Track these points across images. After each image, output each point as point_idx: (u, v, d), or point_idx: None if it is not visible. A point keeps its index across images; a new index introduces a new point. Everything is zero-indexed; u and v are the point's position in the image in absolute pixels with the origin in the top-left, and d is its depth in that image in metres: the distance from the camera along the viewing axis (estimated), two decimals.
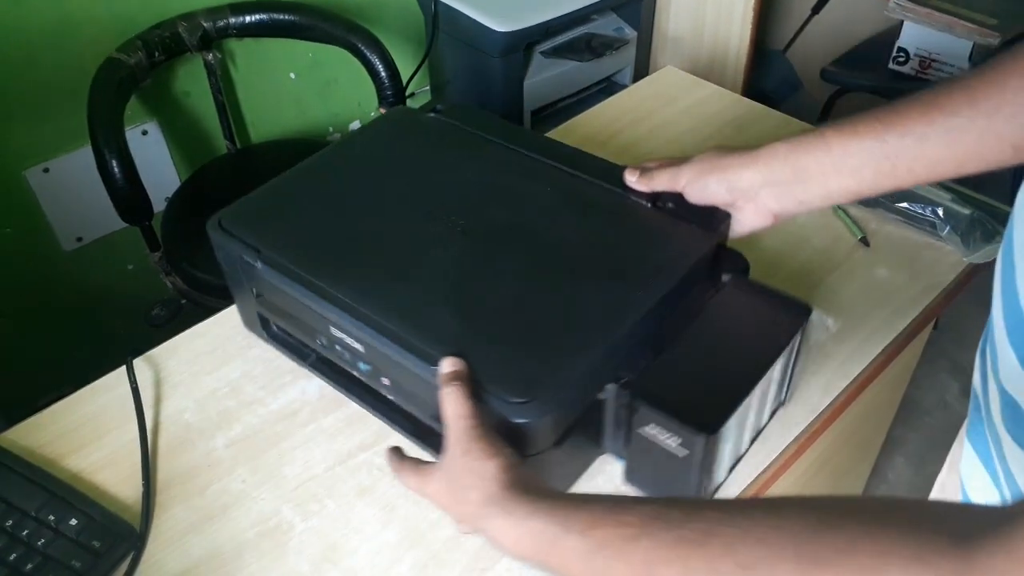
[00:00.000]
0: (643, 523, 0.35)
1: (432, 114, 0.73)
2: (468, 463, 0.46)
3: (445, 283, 0.57)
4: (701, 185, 0.58)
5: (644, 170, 0.63)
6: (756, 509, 0.33)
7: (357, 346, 0.57)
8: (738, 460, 0.60)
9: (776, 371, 0.56)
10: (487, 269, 0.59)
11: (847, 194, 0.52)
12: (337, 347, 0.59)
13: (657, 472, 0.55)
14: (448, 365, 0.50)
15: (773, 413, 0.63)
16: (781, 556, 0.30)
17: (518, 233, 0.61)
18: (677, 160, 0.61)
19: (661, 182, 0.61)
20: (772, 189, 0.55)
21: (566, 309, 0.55)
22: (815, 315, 0.59)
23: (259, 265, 0.60)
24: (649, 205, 0.63)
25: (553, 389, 0.50)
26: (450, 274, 0.58)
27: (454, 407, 0.48)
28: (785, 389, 0.62)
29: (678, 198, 0.61)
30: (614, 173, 0.65)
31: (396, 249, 0.61)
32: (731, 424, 0.52)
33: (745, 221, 0.59)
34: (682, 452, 0.51)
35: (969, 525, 0.27)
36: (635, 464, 0.57)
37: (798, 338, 0.57)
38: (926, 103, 0.48)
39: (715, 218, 0.59)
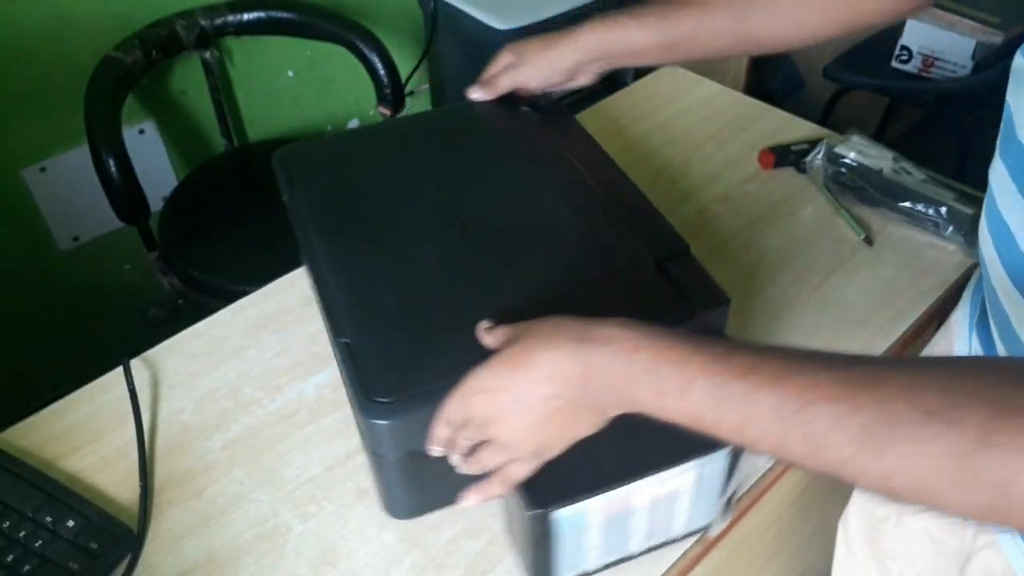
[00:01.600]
0: (782, 355, 0.35)
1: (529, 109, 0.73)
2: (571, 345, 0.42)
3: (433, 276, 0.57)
4: (540, 77, 0.71)
5: (483, 83, 0.73)
6: (924, 364, 0.33)
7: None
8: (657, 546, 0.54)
9: (679, 483, 0.49)
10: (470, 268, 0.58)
11: (645, 64, 0.73)
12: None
13: (512, 529, 0.53)
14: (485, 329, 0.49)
15: (705, 529, 0.56)
16: (967, 404, 0.30)
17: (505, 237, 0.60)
18: (507, 60, 0.72)
19: (505, 85, 0.72)
20: (592, 63, 0.70)
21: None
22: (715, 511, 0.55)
23: (285, 200, 0.66)
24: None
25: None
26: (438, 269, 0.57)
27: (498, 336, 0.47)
28: (722, 503, 0.55)
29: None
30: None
31: (403, 238, 0.60)
32: (586, 513, 0.47)
33: (580, 81, 0.72)
34: (523, 516, 0.48)
35: None
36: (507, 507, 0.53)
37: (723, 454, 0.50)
38: (698, 4, 0.64)
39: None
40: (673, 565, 0.55)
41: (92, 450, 0.63)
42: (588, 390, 0.42)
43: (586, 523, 0.49)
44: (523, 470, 0.46)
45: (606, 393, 0.41)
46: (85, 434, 0.64)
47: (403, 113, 1.34)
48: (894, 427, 0.31)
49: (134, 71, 1.18)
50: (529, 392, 0.43)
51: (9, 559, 0.54)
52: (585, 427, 0.44)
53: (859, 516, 0.65)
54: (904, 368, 0.33)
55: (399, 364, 0.51)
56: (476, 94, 0.73)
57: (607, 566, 0.53)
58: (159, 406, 0.66)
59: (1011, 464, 0.29)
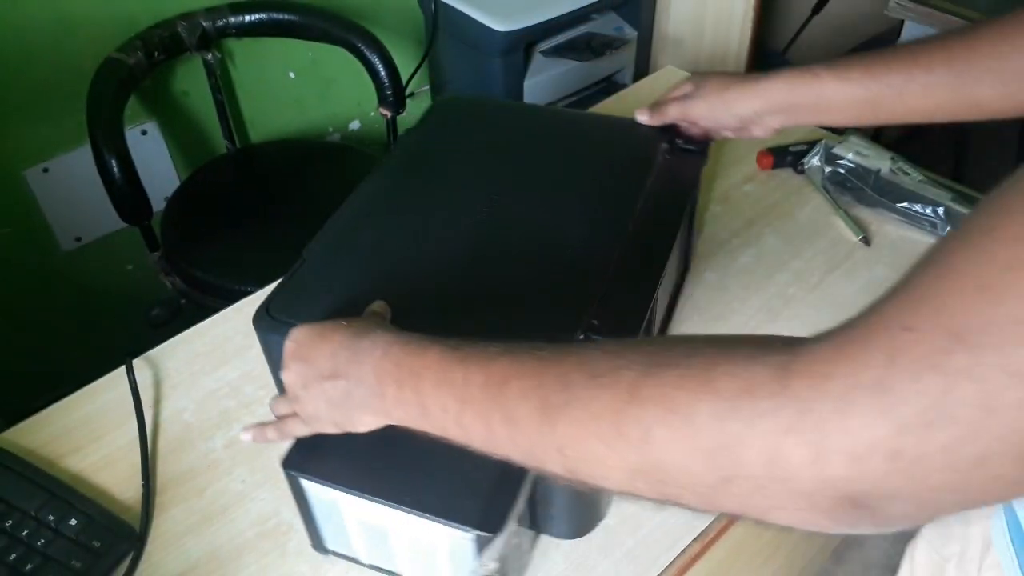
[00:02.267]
0: (506, 346, 0.37)
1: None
2: (312, 338, 0.46)
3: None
4: (712, 117, 0.67)
5: (653, 106, 0.69)
6: (631, 340, 0.35)
7: None
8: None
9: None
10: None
11: (835, 124, 0.67)
12: None
13: None
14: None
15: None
16: (628, 365, 0.31)
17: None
18: (684, 89, 0.69)
19: (673, 115, 0.68)
20: (773, 116, 0.64)
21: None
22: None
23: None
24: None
25: None
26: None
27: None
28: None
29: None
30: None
31: (434, 216, 0.63)
32: (338, 503, 0.49)
33: (754, 133, 0.68)
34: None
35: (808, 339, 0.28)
36: None
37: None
38: (908, 58, 0.56)
39: None
40: (671, 563, 0.56)
41: (95, 449, 0.64)
42: (354, 380, 0.43)
43: (340, 512, 0.50)
44: (298, 429, 0.50)
45: (364, 386, 0.43)
46: (88, 433, 0.65)
47: (402, 115, 1.34)
48: (566, 392, 0.32)
49: (136, 72, 1.18)
50: (313, 362, 0.45)
51: (12, 558, 0.54)
52: (356, 422, 0.45)
53: (926, 551, 0.64)
54: (601, 343, 0.34)
55: (317, 295, 0.54)
56: (642, 116, 0.70)
57: (381, 570, 0.54)
58: (161, 405, 0.67)
59: (649, 414, 0.29)
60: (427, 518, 0.46)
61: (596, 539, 0.57)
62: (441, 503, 0.46)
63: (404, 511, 0.47)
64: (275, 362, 0.54)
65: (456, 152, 0.69)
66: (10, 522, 0.56)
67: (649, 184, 0.64)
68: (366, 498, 0.48)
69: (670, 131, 0.69)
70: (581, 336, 0.51)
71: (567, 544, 0.56)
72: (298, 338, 0.46)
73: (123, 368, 0.68)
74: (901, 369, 0.24)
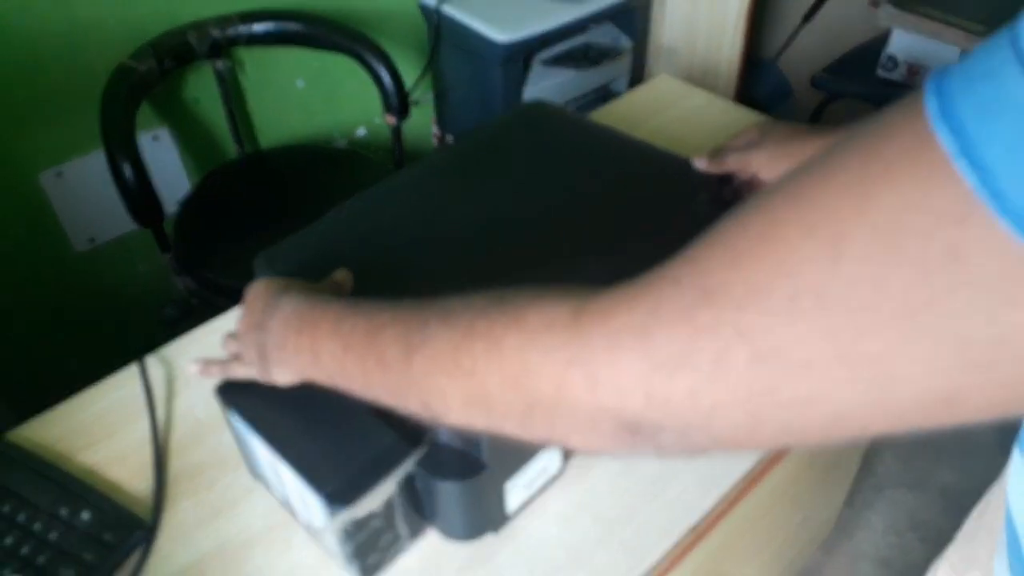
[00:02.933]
0: (397, 301, 0.39)
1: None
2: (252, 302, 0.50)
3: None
4: (773, 169, 0.64)
5: (713, 153, 0.67)
6: (439, 303, 0.37)
7: None
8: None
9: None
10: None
11: None
12: None
13: None
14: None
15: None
16: (474, 306, 0.33)
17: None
18: (749, 136, 0.67)
19: (732, 165, 0.66)
20: None
21: None
22: None
23: None
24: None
25: None
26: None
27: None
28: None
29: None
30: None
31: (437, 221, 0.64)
32: (248, 436, 0.54)
33: None
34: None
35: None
36: None
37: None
38: None
39: None
40: (666, 554, 0.57)
41: (107, 445, 0.64)
42: (266, 331, 0.47)
43: (249, 441, 0.55)
44: (238, 371, 0.54)
45: (273, 335, 0.47)
46: (100, 429, 0.66)
47: (406, 121, 1.36)
48: (423, 333, 0.35)
49: (148, 79, 1.20)
50: (250, 312, 0.50)
51: (25, 551, 0.55)
52: (272, 373, 0.49)
53: (947, 572, 0.63)
54: (468, 294, 0.37)
55: (307, 256, 0.59)
56: (700, 163, 0.67)
57: (282, 504, 0.59)
58: (173, 402, 0.68)
59: (477, 347, 0.31)
60: (295, 473, 0.50)
61: (592, 530, 0.58)
62: (312, 465, 0.50)
63: (282, 461, 0.51)
64: None
65: (505, 153, 0.70)
66: (23, 516, 0.57)
67: (665, 230, 0.60)
68: (262, 441, 0.52)
69: (726, 180, 0.66)
70: None
71: (564, 535, 0.57)
72: (253, 288, 0.51)
73: (135, 365, 0.69)
74: (661, 317, 0.26)
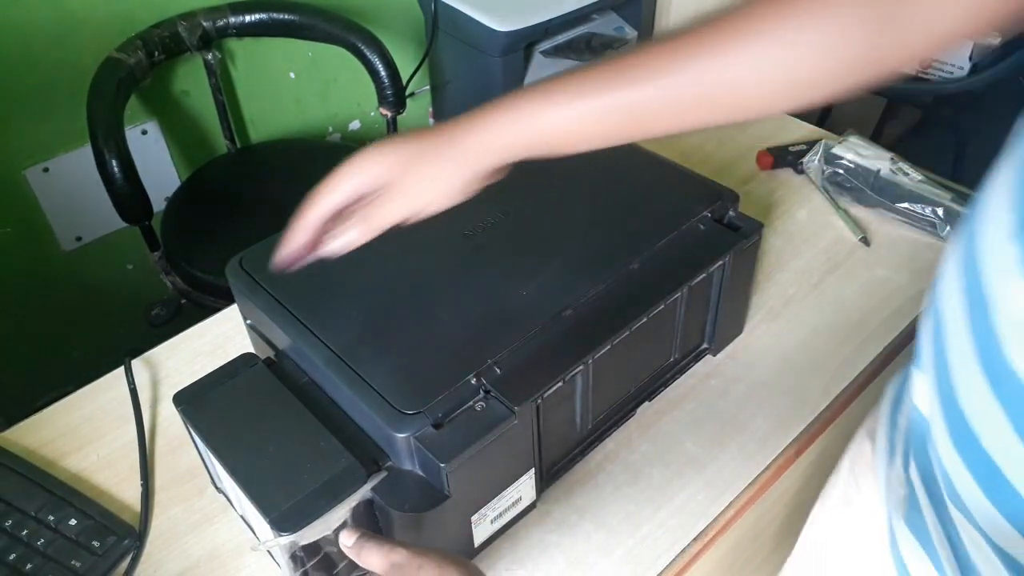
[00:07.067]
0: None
1: None
2: None
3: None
4: None
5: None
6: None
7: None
8: None
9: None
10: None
11: None
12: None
13: None
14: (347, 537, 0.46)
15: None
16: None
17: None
18: None
19: None
20: None
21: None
22: None
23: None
24: None
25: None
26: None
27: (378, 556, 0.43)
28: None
29: None
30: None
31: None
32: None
33: None
34: None
35: None
36: None
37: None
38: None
39: None
40: (671, 563, 0.56)
41: (94, 449, 0.64)
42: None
43: (207, 455, 0.54)
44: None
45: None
46: (87, 433, 0.65)
47: (403, 115, 1.34)
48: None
49: (136, 72, 1.19)
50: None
51: (11, 558, 0.54)
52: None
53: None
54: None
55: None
56: None
57: (243, 519, 0.58)
58: (160, 405, 0.67)
59: None
60: (245, 493, 0.48)
61: (596, 538, 0.57)
62: (262, 486, 0.48)
63: (232, 479, 0.49)
64: (245, 312, 0.62)
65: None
66: (10, 522, 0.56)
67: (656, 249, 0.59)
68: (216, 456, 0.50)
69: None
70: (473, 380, 0.49)
71: (567, 543, 0.56)
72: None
73: (123, 368, 0.68)
74: None
